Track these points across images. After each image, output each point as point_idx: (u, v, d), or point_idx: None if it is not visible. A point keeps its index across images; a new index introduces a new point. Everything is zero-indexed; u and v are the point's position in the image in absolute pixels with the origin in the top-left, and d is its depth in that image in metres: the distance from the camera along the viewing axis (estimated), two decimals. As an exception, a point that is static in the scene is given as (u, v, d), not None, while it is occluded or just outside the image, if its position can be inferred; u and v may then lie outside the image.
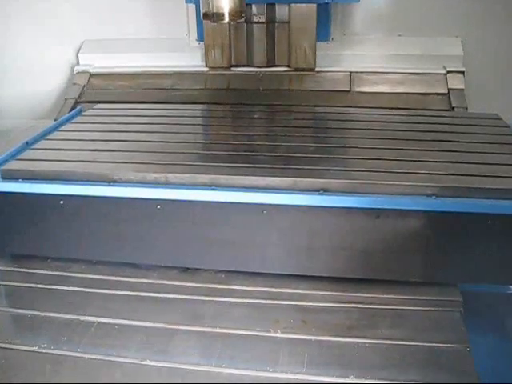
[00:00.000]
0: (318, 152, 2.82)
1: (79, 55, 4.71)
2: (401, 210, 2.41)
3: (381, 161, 2.71)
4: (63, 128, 3.25)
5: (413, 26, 4.44)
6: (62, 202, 2.60)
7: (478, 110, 3.88)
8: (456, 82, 4.24)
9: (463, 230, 2.44)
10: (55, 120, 3.99)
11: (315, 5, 4.16)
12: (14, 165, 2.74)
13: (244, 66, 4.47)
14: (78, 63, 4.69)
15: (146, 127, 3.23)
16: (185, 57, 4.58)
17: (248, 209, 2.50)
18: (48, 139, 3.09)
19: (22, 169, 2.68)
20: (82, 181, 2.60)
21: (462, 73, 4.29)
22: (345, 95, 4.25)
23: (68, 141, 3.05)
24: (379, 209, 2.42)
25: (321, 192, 2.46)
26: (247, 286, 2.58)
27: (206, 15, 3.06)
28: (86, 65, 4.63)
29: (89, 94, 4.42)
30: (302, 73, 4.38)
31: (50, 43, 4.73)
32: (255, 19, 4.31)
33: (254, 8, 4.28)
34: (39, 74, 4.80)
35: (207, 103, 4.17)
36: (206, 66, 4.49)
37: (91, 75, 4.56)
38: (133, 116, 3.43)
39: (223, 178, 2.54)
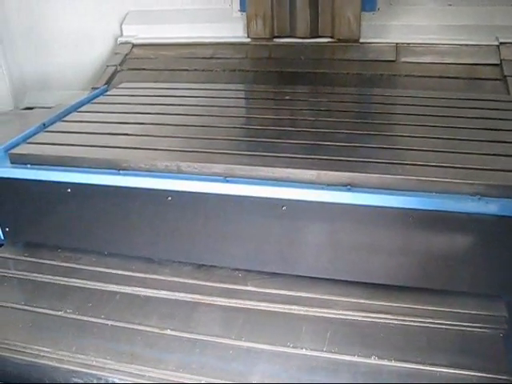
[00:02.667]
0: (349, 140, 2.39)
1: (123, 26, 4.51)
2: (437, 211, 2.02)
3: (419, 152, 2.28)
4: (82, 109, 2.94)
5: None
6: (69, 191, 2.33)
7: None
8: (509, 53, 3.77)
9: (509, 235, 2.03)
10: (93, 88, 3.85)
11: None
12: (23, 149, 2.47)
13: (286, 36, 4.17)
14: (121, 34, 4.51)
15: (167, 109, 2.88)
16: (227, 27, 4.33)
17: (265, 203, 2.15)
18: (65, 121, 2.78)
19: (30, 153, 2.41)
20: (89, 168, 2.31)
21: None
22: (390, 65, 3.86)
23: (84, 123, 2.73)
24: (412, 209, 2.03)
25: (348, 187, 2.08)
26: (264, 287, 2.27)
27: None
28: (129, 36, 4.45)
29: (130, 61, 4.22)
30: (345, 44, 4.05)
31: (95, 14, 4.55)
32: None
33: None
34: (85, 45, 4.62)
35: (248, 71, 3.96)
36: (248, 36, 4.23)
37: (134, 46, 4.37)
38: (156, 96, 3.08)
39: (238, 169, 2.18)
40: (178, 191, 2.23)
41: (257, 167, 2.19)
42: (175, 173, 2.26)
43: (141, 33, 4.48)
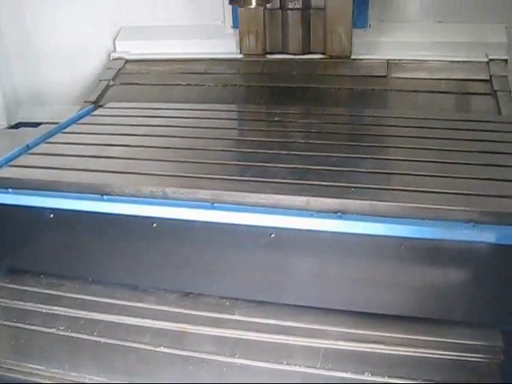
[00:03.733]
0: (340, 164, 2.27)
1: (116, 42, 4.44)
2: (430, 239, 1.92)
3: (413, 177, 2.17)
4: (68, 130, 2.81)
5: (454, 11, 3.96)
6: (51, 216, 2.21)
7: None
8: (499, 70, 3.73)
9: (506, 264, 1.92)
10: (85, 102, 3.78)
11: None
12: (4, 172, 2.35)
13: (279, 53, 4.12)
14: (115, 50, 4.44)
15: (154, 130, 2.75)
16: (220, 43, 4.27)
17: (254, 231, 2.03)
18: (49, 142, 2.65)
19: (12, 177, 2.30)
20: (72, 192, 2.19)
21: (505, 61, 3.80)
22: (381, 80, 3.82)
23: (69, 145, 2.60)
24: (405, 237, 1.93)
25: (339, 214, 1.97)
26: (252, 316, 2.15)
27: (233, 0, 2.92)
28: (123, 52, 4.37)
29: (123, 76, 4.14)
30: (337, 60, 4.01)
31: (89, 30, 4.48)
32: (290, 6, 3.96)
33: None
34: (78, 61, 4.55)
35: (240, 85, 3.92)
36: (241, 52, 4.17)
37: (127, 61, 4.30)
38: (143, 117, 2.95)
39: (226, 195, 2.07)
40: (163, 218, 2.12)
41: (245, 193, 2.07)
42: (161, 198, 2.14)
43: (134, 49, 4.40)
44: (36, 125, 4.23)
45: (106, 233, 2.24)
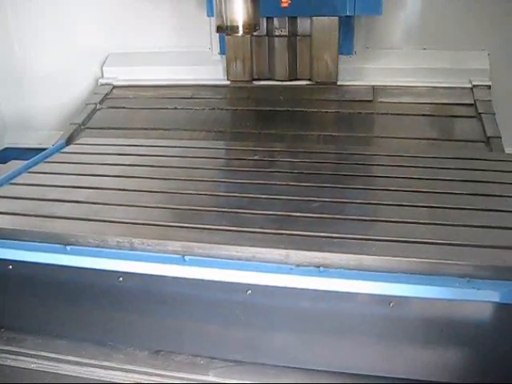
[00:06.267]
0: (323, 210, 2.03)
1: (103, 68, 4.34)
2: (420, 298, 1.71)
3: (402, 225, 1.94)
4: (34, 169, 2.55)
5: (438, 39, 3.95)
6: (10, 267, 1.96)
7: (505, 126, 3.36)
8: (483, 95, 3.71)
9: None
10: (71, 124, 3.68)
11: (337, 18, 3.71)
12: None
13: (265, 79, 4.09)
14: (102, 76, 4.36)
15: (126, 170, 2.50)
16: (207, 70, 4.21)
17: (228, 287, 1.79)
18: (13, 184, 2.39)
19: None
20: (33, 242, 1.96)
21: (489, 87, 3.80)
22: (367, 104, 3.80)
23: (33, 187, 2.35)
24: (393, 296, 1.71)
25: (320, 269, 1.74)
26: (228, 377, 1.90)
27: (220, 28, 2.76)
28: (110, 78, 4.29)
29: (109, 100, 4.04)
30: (323, 86, 3.98)
31: (76, 56, 4.38)
32: (277, 33, 3.94)
33: (276, 21, 3.89)
34: (65, 86, 4.44)
35: (227, 109, 3.89)
36: (228, 79, 4.10)
37: (114, 87, 4.23)
38: (116, 155, 2.70)
39: (197, 247, 1.83)
40: (130, 272, 1.91)
41: (218, 245, 1.83)
42: (128, 249, 1.91)
43: (121, 74, 4.29)
44: (23, 150, 4.17)
45: (69, 286, 2.01)
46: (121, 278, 1.89)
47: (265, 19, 3.86)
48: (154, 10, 4.23)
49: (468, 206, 2.06)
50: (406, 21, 4.04)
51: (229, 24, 2.79)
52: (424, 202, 2.09)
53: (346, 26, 3.89)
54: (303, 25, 3.94)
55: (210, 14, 3.66)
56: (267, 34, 3.92)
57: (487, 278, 1.71)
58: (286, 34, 3.97)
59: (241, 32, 2.81)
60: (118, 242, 1.90)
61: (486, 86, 3.84)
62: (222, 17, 2.80)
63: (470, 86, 3.85)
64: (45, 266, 1.98)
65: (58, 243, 1.97)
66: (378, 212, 2.04)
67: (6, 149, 4.43)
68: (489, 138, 3.19)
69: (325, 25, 3.81)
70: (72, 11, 4.33)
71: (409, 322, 1.78)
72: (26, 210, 2.12)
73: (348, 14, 3.63)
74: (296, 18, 3.92)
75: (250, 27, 2.81)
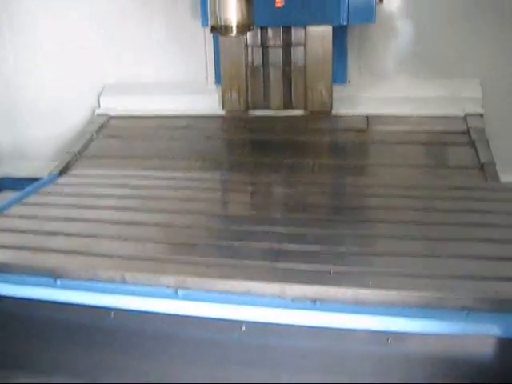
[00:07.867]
0: (319, 242, 1.99)
1: (100, 98, 4.35)
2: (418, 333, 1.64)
3: (398, 258, 1.89)
4: (26, 200, 2.50)
5: (431, 67, 3.98)
6: None
7: (497, 152, 3.34)
8: (476, 123, 3.72)
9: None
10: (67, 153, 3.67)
11: (331, 47, 3.75)
12: None
13: (261, 108, 4.10)
14: (99, 106, 4.36)
15: (119, 203, 2.46)
16: (202, 99, 4.21)
17: (222, 324, 1.74)
18: (3, 215, 2.33)
19: None
20: (22, 276, 1.89)
21: (481, 115, 3.80)
22: (361, 133, 3.81)
23: (23, 219, 2.30)
24: (391, 332, 1.64)
25: (316, 303, 1.69)
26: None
27: (214, 28, 2.75)
28: (107, 108, 4.31)
29: (106, 130, 4.05)
30: (317, 116, 3.99)
31: (73, 86, 4.40)
32: (271, 42, 3.96)
33: (270, 32, 3.92)
34: (62, 116, 4.44)
35: (223, 138, 3.94)
36: (223, 109, 4.10)
37: (110, 117, 4.22)
38: (109, 187, 2.67)
39: (191, 281, 1.77)
40: (122, 308, 1.86)
41: (212, 280, 1.77)
42: (120, 283, 1.86)
43: (118, 105, 4.29)
44: (18, 180, 4.10)
45: (59, 322, 1.96)
46: (113, 314, 1.81)
47: (259, 30, 3.88)
48: (151, 40, 4.27)
49: (465, 237, 2.00)
50: (399, 49, 4.08)
51: (223, 24, 2.78)
52: (421, 233, 2.03)
53: (340, 55, 3.95)
54: (297, 35, 3.95)
55: (205, 23, 3.60)
56: (261, 45, 3.97)
57: (486, 310, 1.67)
58: (280, 44, 3.99)
59: (235, 32, 2.80)
60: (109, 276, 1.88)
61: (479, 114, 3.85)
62: (216, 17, 2.80)
63: (462, 114, 3.86)
64: (34, 301, 1.89)
65: (47, 276, 1.90)
66: (375, 245, 2.00)
67: (1, 179, 4.38)
68: (483, 164, 3.15)
69: (319, 52, 3.83)
70: (68, 42, 4.36)
71: (407, 358, 1.70)
72: (16, 243, 2.08)
73: (342, 23, 3.60)
74: (290, 28, 3.92)
75: (244, 27, 2.80)
